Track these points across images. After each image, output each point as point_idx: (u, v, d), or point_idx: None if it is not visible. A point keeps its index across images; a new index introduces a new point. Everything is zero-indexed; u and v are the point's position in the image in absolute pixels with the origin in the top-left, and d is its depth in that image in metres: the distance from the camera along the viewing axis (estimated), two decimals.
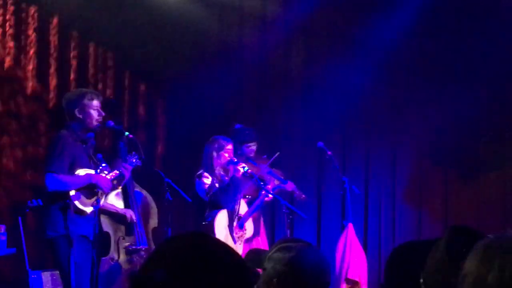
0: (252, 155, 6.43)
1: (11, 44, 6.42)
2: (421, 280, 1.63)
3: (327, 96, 7.74)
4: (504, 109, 7.68)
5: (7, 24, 6.41)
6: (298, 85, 7.99)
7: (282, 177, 6.58)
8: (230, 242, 5.90)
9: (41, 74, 6.66)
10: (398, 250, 1.69)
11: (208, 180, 5.87)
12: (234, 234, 5.99)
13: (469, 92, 7.62)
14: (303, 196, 6.65)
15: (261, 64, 7.96)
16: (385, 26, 7.55)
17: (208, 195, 5.82)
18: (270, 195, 6.23)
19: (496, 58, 7.54)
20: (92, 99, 5.10)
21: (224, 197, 5.83)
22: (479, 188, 7.77)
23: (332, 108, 7.72)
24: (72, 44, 6.88)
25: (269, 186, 6.27)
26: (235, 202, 6.03)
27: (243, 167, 5.89)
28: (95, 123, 5.11)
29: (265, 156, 6.54)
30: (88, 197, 4.99)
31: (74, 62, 6.88)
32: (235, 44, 7.86)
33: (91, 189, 4.98)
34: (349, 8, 7.85)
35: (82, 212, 4.94)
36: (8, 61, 6.40)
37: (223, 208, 5.90)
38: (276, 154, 6.40)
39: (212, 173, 5.92)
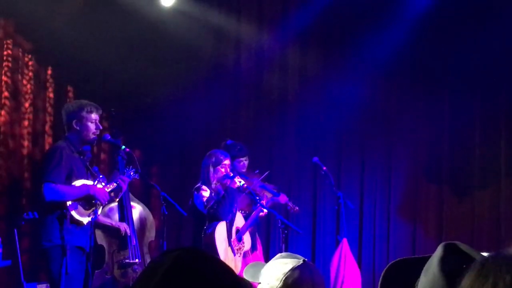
0: (243, 170, 6.48)
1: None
2: None
3: (322, 112, 7.78)
4: (499, 124, 7.71)
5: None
6: (293, 101, 8.03)
7: (275, 190, 6.61)
8: (230, 254, 5.95)
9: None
10: (391, 267, 1.70)
11: (206, 193, 5.91)
12: (233, 247, 6.02)
13: (463, 107, 7.66)
14: (296, 208, 6.68)
15: (256, 80, 7.99)
16: (377, 42, 7.60)
17: (206, 208, 5.86)
18: (265, 210, 6.27)
19: (489, 72, 7.58)
20: (91, 112, 5.09)
21: (221, 209, 5.87)
22: (473, 204, 7.78)
23: (327, 123, 7.76)
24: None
25: (263, 201, 6.31)
26: (232, 214, 6.06)
27: (239, 181, 5.95)
28: (91, 136, 5.11)
29: (257, 171, 6.58)
30: (86, 208, 5.00)
31: None
32: (230, 60, 7.90)
33: (88, 201, 4.99)
34: (342, 25, 7.90)
35: (78, 222, 4.93)
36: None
37: (221, 220, 5.94)
38: (267, 173, 6.47)
39: (209, 187, 5.97)
